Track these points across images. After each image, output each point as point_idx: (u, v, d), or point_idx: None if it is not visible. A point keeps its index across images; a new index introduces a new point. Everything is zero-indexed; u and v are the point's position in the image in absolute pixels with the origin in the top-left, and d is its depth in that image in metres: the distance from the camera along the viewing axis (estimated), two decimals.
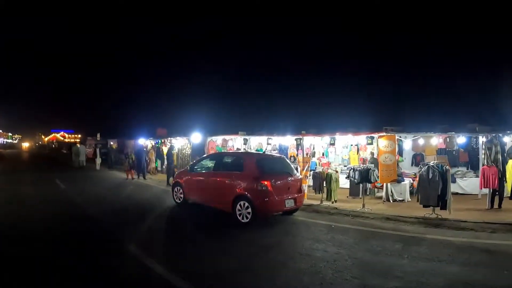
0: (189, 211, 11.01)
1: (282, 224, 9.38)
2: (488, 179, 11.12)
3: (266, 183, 9.10)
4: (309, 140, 16.73)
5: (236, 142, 19.66)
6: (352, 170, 12.11)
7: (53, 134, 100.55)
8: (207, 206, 10.63)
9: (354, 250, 6.87)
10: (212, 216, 10.25)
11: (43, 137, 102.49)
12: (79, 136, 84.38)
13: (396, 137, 13.32)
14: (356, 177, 11.83)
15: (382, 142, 12.89)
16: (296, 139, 17.11)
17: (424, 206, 10.00)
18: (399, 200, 12.73)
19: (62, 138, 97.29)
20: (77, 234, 8.02)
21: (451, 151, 15.50)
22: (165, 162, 22.39)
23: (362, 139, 16.01)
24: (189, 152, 20.26)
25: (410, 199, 12.78)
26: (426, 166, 9.97)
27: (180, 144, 21.16)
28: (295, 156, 17.05)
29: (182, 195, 11.49)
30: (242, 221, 9.08)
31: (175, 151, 20.45)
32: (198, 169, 11.44)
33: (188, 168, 11.63)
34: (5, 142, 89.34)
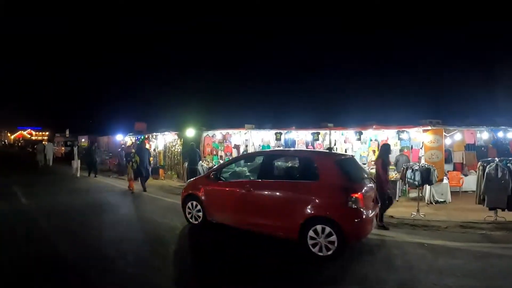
0: (222, 240, 6.84)
1: (363, 250, 6.17)
2: None
3: (358, 196, 5.63)
4: (328, 135, 13.94)
5: (234, 138, 15.51)
6: (410, 170, 9.39)
7: (20, 131, 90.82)
8: (247, 230, 6.66)
9: (502, 282, 4.94)
10: (265, 247, 6.36)
11: (9, 135, 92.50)
12: (47, 133, 76.46)
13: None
14: (417, 178, 9.22)
15: (427, 137, 11.27)
16: (313, 134, 13.76)
17: (490, 209, 8.08)
18: (441, 202, 10.51)
19: (29, 136, 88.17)
20: None
21: (479, 146, 13.16)
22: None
23: (391, 133, 12.94)
24: (179, 150, 15.85)
25: (450, 200, 10.65)
26: (494, 164, 8.00)
27: (168, 140, 16.65)
28: None
29: (201, 213, 7.32)
30: (319, 254, 5.62)
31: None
32: (228, 176, 7.36)
33: (212, 174, 7.34)
34: None
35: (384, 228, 7.31)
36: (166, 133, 16.52)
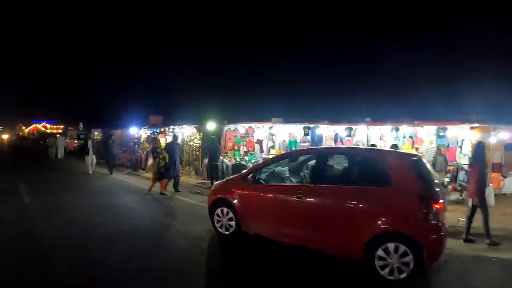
0: (263, 257, 5.48)
1: (429, 267, 4.72)
2: None
3: (439, 206, 4.48)
4: (362, 131, 13.02)
5: (257, 132, 14.16)
6: (464, 172, 9.20)
7: (34, 125, 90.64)
8: (293, 246, 5.34)
9: None
10: (319, 267, 4.99)
11: (23, 128, 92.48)
12: (62, 126, 76.05)
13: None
14: None
15: (474, 135, 10.44)
16: (346, 129, 12.84)
17: None
18: None
19: (44, 129, 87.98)
20: None
21: None
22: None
23: (431, 130, 12.29)
24: (198, 144, 14.51)
25: (494, 204, 9.12)
26: None
27: (186, 134, 15.30)
28: None
29: (233, 222, 5.94)
30: (390, 278, 4.40)
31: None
32: (267, 178, 5.94)
33: (250, 175, 5.93)
34: None
35: (495, 244, 6.07)
36: (184, 126, 15.18)
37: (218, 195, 6.24)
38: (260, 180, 5.79)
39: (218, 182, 6.88)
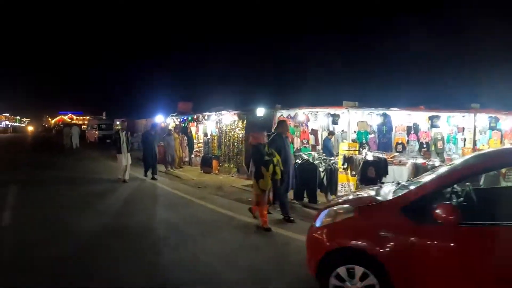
0: None
1: None
2: None
3: None
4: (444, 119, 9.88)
5: (316, 120, 10.99)
6: None
7: (60, 116, 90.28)
8: None
9: None
10: None
11: (49, 119, 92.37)
12: (88, 117, 75.19)
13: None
14: None
15: None
16: (430, 117, 9.81)
17: None
18: None
19: (70, 120, 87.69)
20: None
21: None
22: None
23: None
24: (241, 135, 11.48)
25: None
26: None
27: (225, 122, 12.25)
28: (405, 143, 10.19)
29: None
30: None
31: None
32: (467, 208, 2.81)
33: (424, 201, 2.72)
34: (9, 126, 77.87)
35: None
36: (223, 112, 12.08)
37: (342, 242, 3.13)
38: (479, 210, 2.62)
39: (334, 209, 3.61)
